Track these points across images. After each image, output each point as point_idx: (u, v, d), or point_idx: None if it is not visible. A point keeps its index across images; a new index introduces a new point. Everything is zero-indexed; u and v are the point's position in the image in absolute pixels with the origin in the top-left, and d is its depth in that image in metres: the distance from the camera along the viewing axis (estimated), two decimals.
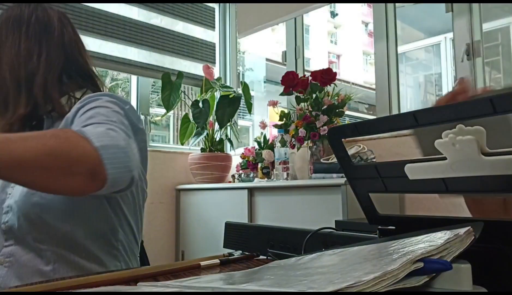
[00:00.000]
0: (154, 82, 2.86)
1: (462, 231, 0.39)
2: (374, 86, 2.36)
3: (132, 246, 0.90)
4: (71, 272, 0.79)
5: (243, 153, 2.60)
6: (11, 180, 0.60)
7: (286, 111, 2.28)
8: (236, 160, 2.68)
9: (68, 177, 0.59)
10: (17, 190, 0.81)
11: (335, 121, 2.08)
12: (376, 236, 0.54)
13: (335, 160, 1.75)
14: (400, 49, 2.36)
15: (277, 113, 2.29)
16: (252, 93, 2.77)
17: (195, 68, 2.89)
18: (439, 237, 0.37)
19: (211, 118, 2.68)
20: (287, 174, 2.11)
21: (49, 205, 0.77)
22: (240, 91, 2.76)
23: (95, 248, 0.81)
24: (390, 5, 2.24)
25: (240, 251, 0.73)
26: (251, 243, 0.74)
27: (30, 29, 0.87)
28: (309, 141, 2.05)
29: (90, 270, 0.80)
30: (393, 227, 0.52)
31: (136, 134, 0.81)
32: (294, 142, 2.12)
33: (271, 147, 2.40)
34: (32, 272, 0.78)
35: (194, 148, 2.82)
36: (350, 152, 1.88)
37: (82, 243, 0.80)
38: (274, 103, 2.33)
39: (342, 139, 0.51)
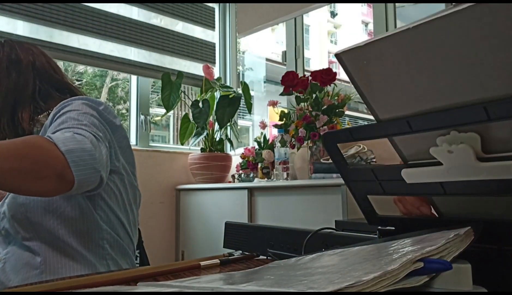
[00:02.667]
0: (154, 82, 2.86)
1: (462, 231, 0.39)
2: None
3: (122, 244, 0.90)
4: (61, 263, 0.82)
5: (243, 153, 2.60)
6: None
7: (286, 111, 2.28)
8: (236, 160, 2.68)
9: (37, 180, 0.63)
10: (8, 195, 0.85)
11: (335, 121, 2.08)
12: (376, 236, 0.54)
13: None
14: None
15: (277, 113, 2.29)
16: (252, 93, 2.77)
17: (195, 68, 2.89)
18: (439, 237, 0.37)
19: (211, 118, 2.68)
20: (287, 174, 2.11)
21: (32, 204, 0.82)
22: (240, 91, 2.76)
23: (79, 246, 0.84)
24: (390, 5, 2.24)
25: (240, 251, 0.73)
26: (251, 243, 0.74)
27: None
28: (309, 141, 2.05)
29: (77, 268, 0.83)
30: (393, 228, 0.52)
31: (115, 132, 0.86)
32: (294, 142, 2.12)
33: (271, 147, 2.40)
34: (23, 264, 0.82)
35: (194, 148, 2.82)
36: (350, 152, 1.88)
37: (66, 240, 0.83)
38: (274, 103, 2.33)
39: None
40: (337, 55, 0.43)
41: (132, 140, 2.65)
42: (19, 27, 2.16)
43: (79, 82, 5.36)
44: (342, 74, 0.45)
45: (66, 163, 0.64)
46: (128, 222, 0.92)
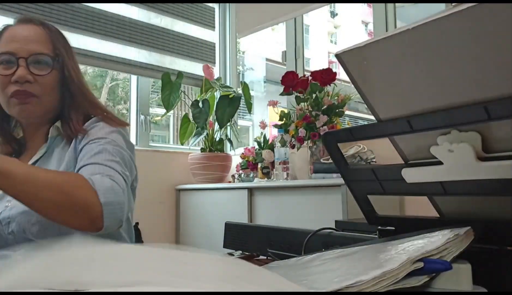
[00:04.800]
0: (154, 82, 2.86)
1: (462, 231, 0.39)
2: None
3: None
4: None
5: (243, 153, 2.60)
6: (23, 199, 0.68)
7: (286, 111, 2.28)
8: (236, 160, 2.68)
9: (71, 217, 0.71)
10: (15, 205, 0.84)
11: (335, 121, 2.08)
12: (376, 236, 0.54)
13: None
14: None
15: (277, 113, 2.29)
16: (252, 93, 2.77)
17: (195, 68, 2.89)
18: (439, 237, 0.37)
19: (211, 118, 2.68)
20: (287, 174, 2.11)
21: (46, 225, 0.83)
22: (240, 91, 2.76)
23: None
24: (390, 5, 2.24)
25: (240, 251, 0.73)
26: (251, 243, 0.74)
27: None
28: (309, 141, 2.05)
29: None
30: (393, 228, 0.52)
31: (132, 151, 0.93)
32: (294, 142, 2.12)
33: (271, 147, 2.40)
34: None
35: (194, 147, 2.82)
36: (350, 152, 1.88)
37: None
38: (274, 103, 2.33)
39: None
40: (337, 56, 0.43)
41: (132, 140, 2.65)
42: None
43: None
44: (342, 74, 0.45)
45: (101, 214, 0.71)
46: (130, 228, 0.98)
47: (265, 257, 0.70)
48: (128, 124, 0.99)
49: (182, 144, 2.72)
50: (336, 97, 2.12)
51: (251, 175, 2.46)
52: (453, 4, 0.34)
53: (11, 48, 0.87)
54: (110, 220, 0.72)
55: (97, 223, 0.71)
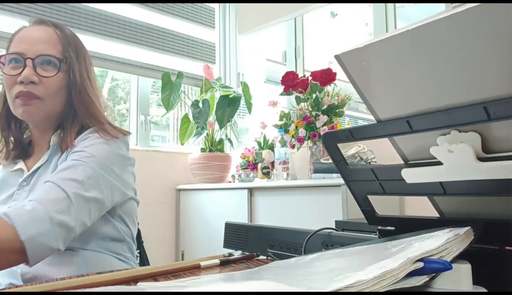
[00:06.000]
0: (154, 82, 2.86)
1: (462, 231, 0.39)
2: None
3: (133, 251, 0.96)
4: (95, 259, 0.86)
5: (243, 153, 2.60)
6: None
7: (286, 111, 2.28)
8: (236, 160, 2.68)
9: None
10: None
11: (335, 121, 2.08)
12: (376, 236, 0.54)
13: None
14: None
15: (277, 113, 2.29)
16: (252, 93, 2.77)
17: (195, 68, 2.89)
18: (439, 237, 0.37)
19: (211, 118, 2.68)
20: (287, 174, 2.11)
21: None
22: (240, 91, 2.76)
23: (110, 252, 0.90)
24: (390, 5, 2.24)
25: (240, 251, 0.73)
26: (251, 243, 0.74)
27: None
28: (309, 141, 2.05)
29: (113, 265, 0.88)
30: (393, 228, 0.52)
31: (128, 164, 0.92)
32: (294, 143, 2.12)
33: (271, 147, 2.40)
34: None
35: (194, 147, 2.82)
36: (350, 152, 1.88)
37: (96, 248, 0.88)
38: (274, 103, 2.33)
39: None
40: (336, 57, 0.43)
41: (132, 140, 2.65)
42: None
43: None
44: (342, 74, 0.45)
45: (24, 250, 0.69)
46: (135, 231, 0.99)
47: (265, 257, 0.70)
48: (129, 133, 0.97)
49: (182, 144, 2.72)
50: (336, 97, 2.12)
51: (251, 175, 2.46)
52: (453, 5, 0.34)
53: (19, 48, 0.87)
54: (35, 252, 0.70)
55: (23, 259, 0.70)
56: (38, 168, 0.90)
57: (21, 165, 0.94)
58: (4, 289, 0.52)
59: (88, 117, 0.92)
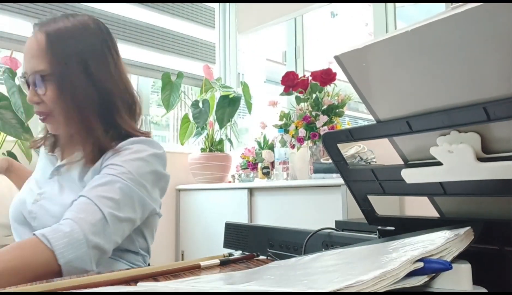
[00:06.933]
0: (154, 82, 2.86)
1: (462, 231, 0.39)
2: None
3: (147, 262, 0.97)
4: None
5: (243, 153, 2.60)
6: None
7: (286, 111, 2.28)
8: (236, 160, 2.68)
9: (34, 281, 0.68)
10: (43, 205, 0.86)
11: (335, 122, 2.08)
12: (376, 236, 0.54)
13: None
14: None
15: (277, 113, 2.29)
16: (252, 93, 2.77)
17: (195, 68, 2.89)
18: (439, 237, 0.37)
19: (211, 118, 2.68)
20: (287, 174, 2.11)
21: None
22: (240, 91, 2.76)
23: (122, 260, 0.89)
24: (390, 5, 2.24)
25: (240, 251, 0.73)
26: (251, 243, 0.74)
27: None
28: (309, 141, 2.05)
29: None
30: (393, 228, 0.52)
31: (160, 181, 0.89)
32: (294, 143, 2.12)
33: (271, 147, 2.40)
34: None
35: (194, 147, 2.82)
36: (350, 152, 1.88)
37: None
38: (274, 103, 2.33)
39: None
40: (336, 57, 0.43)
41: None
42: (19, 27, 2.16)
43: None
44: (342, 74, 0.45)
45: (60, 271, 0.70)
46: (151, 244, 1.00)
47: (265, 257, 0.70)
48: (150, 134, 0.95)
49: (182, 144, 2.72)
50: (336, 97, 2.12)
51: (251, 175, 2.46)
52: (453, 5, 0.35)
53: (24, 66, 0.87)
54: (71, 273, 0.71)
55: (59, 276, 0.71)
56: (69, 162, 0.90)
57: (57, 151, 0.95)
58: (5, 289, 0.52)
59: (105, 125, 0.87)
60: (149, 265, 1.01)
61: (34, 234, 0.72)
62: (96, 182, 0.80)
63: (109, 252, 0.77)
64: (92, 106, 0.86)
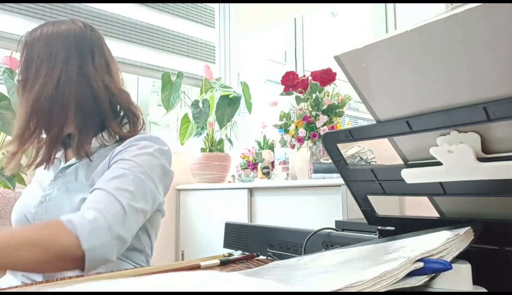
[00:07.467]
0: (154, 82, 2.86)
1: (462, 231, 0.39)
2: None
3: (149, 261, 0.98)
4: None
5: (243, 153, 2.60)
6: (6, 264, 0.67)
7: (286, 111, 2.28)
8: (236, 160, 2.68)
9: (54, 267, 0.71)
10: (49, 206, 0.87)
11: (335, 121, 2.08)
12: (376, 236, 0.54)
13: None
14: None
15: (277, 113, 2.29)
16: (252, 93, 2.77)
17: (195, 68, 2.89)
18: (439, 237, 0.37)
19: (211, 118, 2.68)
20: (287, 174, 2.11)
21: None
22: (240, 91, 2.76)
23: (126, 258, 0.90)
24: (390, 5, 2.24)
25: (240, 251, 0.73)
26: (251, 243, 0.74)
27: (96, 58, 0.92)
28: (309, 141, 2.05)
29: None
30: (393, 228, 0.52)
31: (166, 177, 0.91)
32: (294, 143, 2.12)
33: (271, 147, 2.40)
34: None
35: (194, 147, 2.82)
36: (350, 152, 1.88)
37: None
38: (274, 103, 2.33)
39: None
40: (336, 58, 0.43)
41: None
42: (19, 27, 2.16)
43: None
44: (342, 74, 0.45)
45: (83, 258, 0.70)
46: (154, 242, 1.01)
47: (265, 257, 0.70)
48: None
49: (182, 144, 2.72)
50: (336, 97, 2.12)
51: (251, 175, 2.46)
52: (453, 5, 0.34)
53: None
54: (92, 262, 0.71)
55: (79, 266, 0.71)
56: (73, 164, 0.91)
57: (60, 153, 0.96)
58: (5, 289, 0.52)
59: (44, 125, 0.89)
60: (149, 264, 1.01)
61: (59, 220, 0.72)
62: (109, 175, 0.81)
63: (128, 242, 0.78)
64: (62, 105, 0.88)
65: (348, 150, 1.89)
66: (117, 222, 0.75)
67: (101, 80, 0.90)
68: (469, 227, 0.40)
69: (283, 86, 2.20)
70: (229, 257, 0.67)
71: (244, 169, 2.53)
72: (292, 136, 2.12)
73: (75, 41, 0.89)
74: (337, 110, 2.08)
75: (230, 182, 2.64)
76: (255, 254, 0.70)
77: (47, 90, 0.85)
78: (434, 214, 0.52)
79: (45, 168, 0.94)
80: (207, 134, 2.68)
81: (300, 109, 2.15)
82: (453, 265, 0.33)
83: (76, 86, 0.87)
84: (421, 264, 0.32)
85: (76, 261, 0.70)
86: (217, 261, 0.64)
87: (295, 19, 2.73)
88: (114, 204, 0.76)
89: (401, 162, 0.49)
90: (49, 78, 0.86)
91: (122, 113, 0.96)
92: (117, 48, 2.51)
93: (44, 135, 0.90)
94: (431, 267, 0.32)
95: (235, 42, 3.12)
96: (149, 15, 2.68)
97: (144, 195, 0.82)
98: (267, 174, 2.31)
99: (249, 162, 2.52)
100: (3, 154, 1.94)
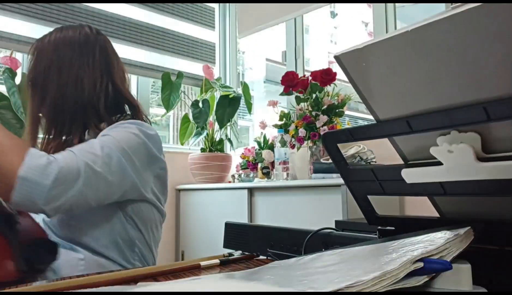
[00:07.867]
0: (154, 82, 2.86)
1: (462, 231, 0.39)
2: None
3: (148, 260, 0.97)
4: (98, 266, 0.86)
5: (243, 153, 2.60)
6: None
7: (286, 111, 2.28)
8: (236, 160, 2.68)
9: None
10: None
11: (335, 121, 2.08)
12: (376, 236, 0.54)
13: None
14: None
15: (277, 113, 2.29)
16: (252, 93, 2.77)
17: (195, 68, 2.89)
18: (439, 237, 0.37)
19: (211, 118, 2.68)
20: (287, 174, 2.11)
21: (65, 222, 0.88)
22: (240, 91, 2.76)
23: (114, 256, 0.90)
24: (390, 5, 2.24)
25: (240, 251, 0.73)
26: (251, 243, 0.74)
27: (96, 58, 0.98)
28: (309, 141, 2.05)
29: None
30: (393, 228, 0.52)
31: (153, 164, 0.91)
32: (294, 142, 2.12)
33: (271, 147, 2.40)
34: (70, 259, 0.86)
35: (194, 147, 2.82)
36: (350, 152, 1.88)
37: (104, 251, 0.89)
38: (274, 103, 2.33)
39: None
40: (336, 57, 0.43)
41: None
42: (19, 27, 2.16)
43: None
44: (342, 74, 0.45)
45: (13, 186, 0.69)
46: (154, 241, 1.00)
47: (265, 257, 0.70)
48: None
49: (182, 144, 2.72)
50: (336, 97, 2.12)
51: (251, 175, 2.46)
52: (453, 5, 0.34)
53: None
54: (21, 196, 0.70)
55: (8, 193, 0.70)
56: None
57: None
58: (5, 289, 0.52)
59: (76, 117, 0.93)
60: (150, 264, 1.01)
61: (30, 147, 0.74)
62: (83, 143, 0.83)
63: (72, 203, 0.76)
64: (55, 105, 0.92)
65: (348, 149, 1.89)
66: (67, 176, 0.74)
67: (100, 81, 0.93)
68: (469, 227, 0.40)
69: (283, 86, 2.20)
70: (229, 257, 0.67)
71: (244, 169, 2.53)
72: (292, 136, 2.12)
73: (79, 45, 0.95)
74: (337, 110, 2.08)
75: (230, 182, 2.64)
76: (255, 254, 0.70)
77: (53, 93, 0.92)
78: (434, 214, 0.52)
79: None
80: (207, 134, 2.68)
81: (300, 109, 2.15)
82: (453, 265, 0.33)
83: (75, 87, 0.92)
84: (421, 264, 0.32)
85: (6, 184, 0.69)
86: (217, 261, 0.64)
87: (295, 19, 2.73)
88: (72, 159, 0.76)
89: (401, 162, 0.49)
90: (56, 82, 0.92)
91: (122, 114, 0.97)
92: (117, 48, 2.50)
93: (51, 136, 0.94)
94: (431, 267, 0.32)
95: (235, 42, 3.12)
96: (149, 15, 2.68)
97: (109, 163, 0.80)
98: (267, 174, 2.31)
99: (249, 161, 2.52)
100: None
